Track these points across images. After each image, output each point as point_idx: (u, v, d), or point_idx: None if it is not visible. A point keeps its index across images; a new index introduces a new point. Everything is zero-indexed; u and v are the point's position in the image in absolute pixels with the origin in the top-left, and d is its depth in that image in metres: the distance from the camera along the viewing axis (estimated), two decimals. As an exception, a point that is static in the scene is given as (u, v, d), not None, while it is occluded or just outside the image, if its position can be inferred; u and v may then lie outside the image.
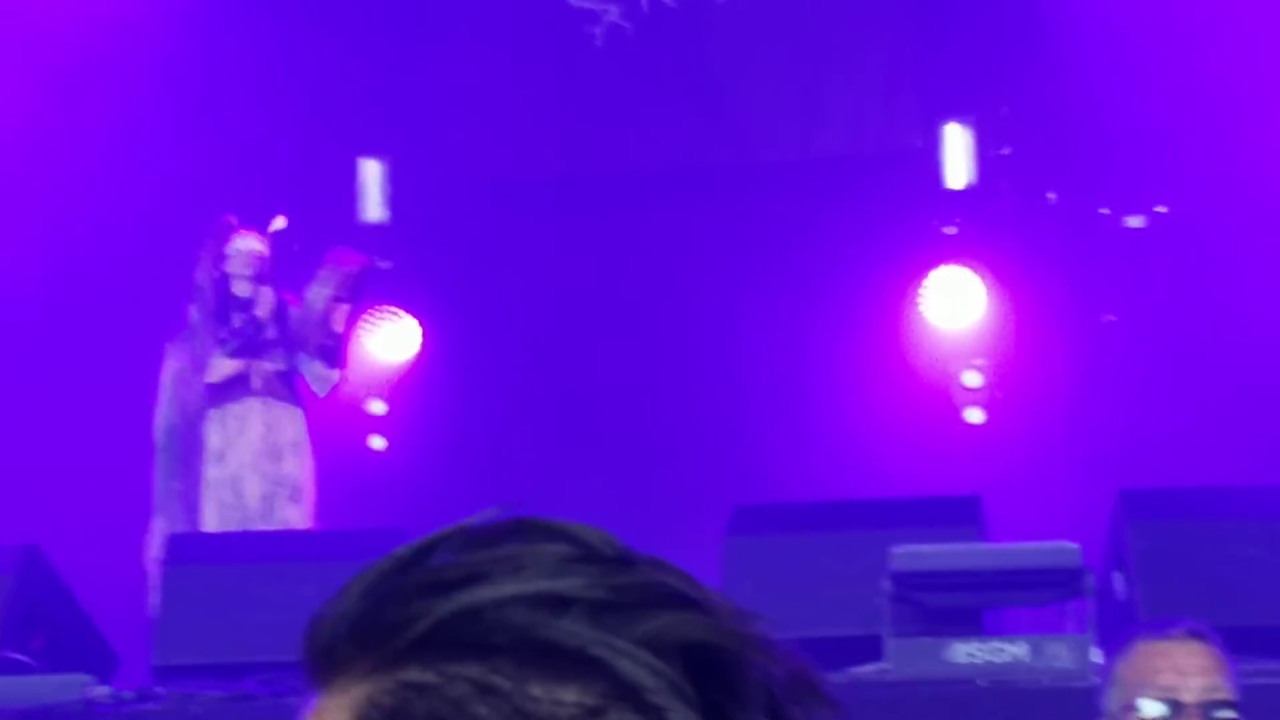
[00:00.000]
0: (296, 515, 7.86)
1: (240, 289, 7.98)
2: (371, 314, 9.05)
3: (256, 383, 7.90)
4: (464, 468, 9.18)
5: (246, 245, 8.02)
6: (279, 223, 8.06)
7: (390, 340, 9.57)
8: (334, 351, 7.99)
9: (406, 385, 9.68)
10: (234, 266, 7.99)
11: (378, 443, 9.62)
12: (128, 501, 8.17)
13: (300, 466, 7.91)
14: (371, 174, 9.62)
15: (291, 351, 8.01)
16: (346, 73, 9.55)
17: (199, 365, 7.97)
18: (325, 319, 7.89)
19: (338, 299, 7.93)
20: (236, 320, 7.94)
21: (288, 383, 8.00)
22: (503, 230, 9.67)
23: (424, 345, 9.65)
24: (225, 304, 7.94)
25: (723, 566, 6.17)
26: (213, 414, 7.90)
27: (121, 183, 9.44)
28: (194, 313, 8.00)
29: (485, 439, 9.46)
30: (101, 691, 6.27)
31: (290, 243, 8.29)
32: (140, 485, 8.02)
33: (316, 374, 8.01)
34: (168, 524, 7.78)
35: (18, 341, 9.40)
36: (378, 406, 9.62)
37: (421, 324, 9.59)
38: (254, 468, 7.83)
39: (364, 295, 8.19)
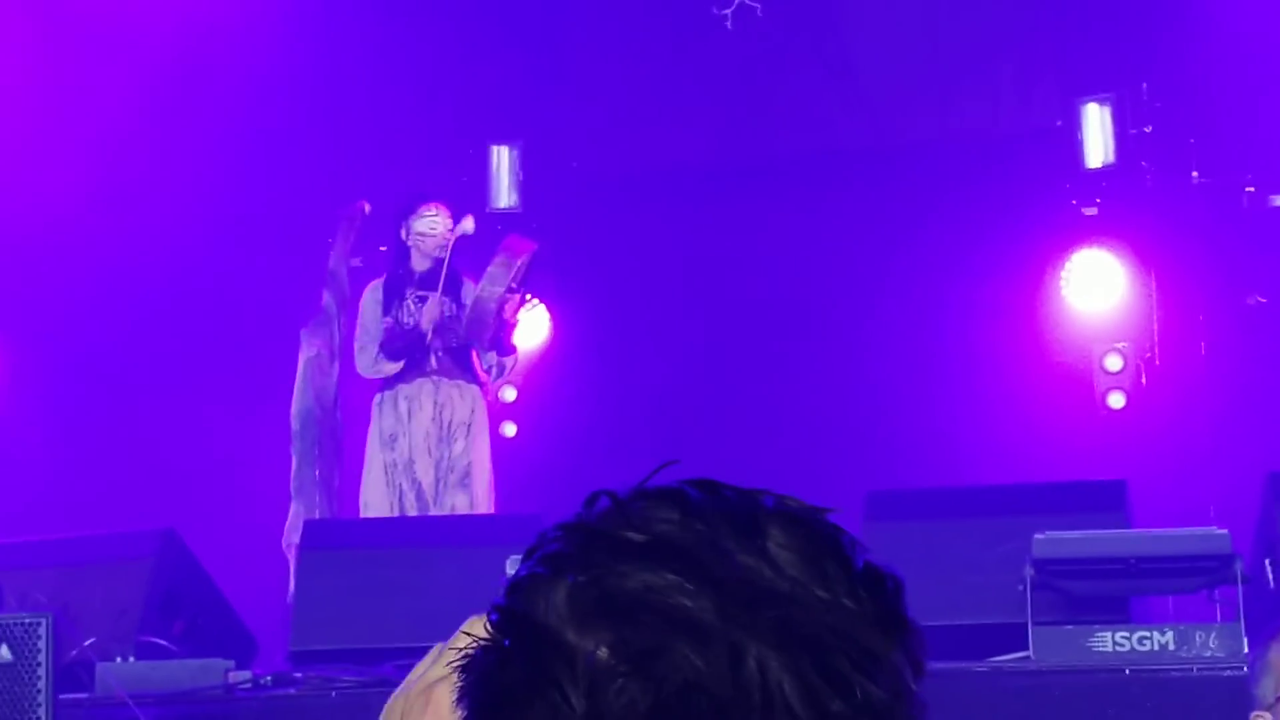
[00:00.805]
0: (464, 501, 7.68)
1: (421, 265, 7.76)
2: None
3: (430, 362, 7.67)
4: (595, 453, 9.07)
5: (444, 223, 7.78)
6: (468, 225, 7.81)
7: (522, 326, 9.02)
8: (506, 339, 7.77)
9: (537, 371, 9.63)
10: (427, 245, 7.73)
11: (509, 429, 9.58)
12: (264, 487, 8.22)
13: (471, 448, 7.68)
14: (503, 161, 9.59)
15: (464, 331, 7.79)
16: (477, 60, 9.55)
17: (333, 351, 7.89)
18: (499, 312, 7.67)
19: (510, 290, 7.71)
20: (410, 299, 7.68)
21: (461, 360, 7.76)
22: (633, 216, 9.60)
23: (554, 331, 9.61)
24: (402, 281, 7.74)
25: (860, 553, 6.14)
26: (385, 395, 7.70)
27: (256, 171, 9.47)
28: (328, 299, 7.96)
29: (615, 425, 9.33)
30: (241, 676, 6.33)
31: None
32: (277, 471, 8.05)
33: (490, 361, 7.81)
34: (304, 509, 7.78)
35: (156, 329, 9.42)
36: (509, 393, 9.57)
37: (551, 310, 9.54)
38: (425, 450, 7.65)
39: (530, 280, 7.97)
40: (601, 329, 9.60)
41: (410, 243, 7.77)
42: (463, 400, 7.68)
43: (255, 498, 8.38)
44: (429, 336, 7.65)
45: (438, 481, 7.61)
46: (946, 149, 9.28)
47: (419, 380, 7.65)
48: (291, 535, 7.57)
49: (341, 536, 7.21)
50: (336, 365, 7.94)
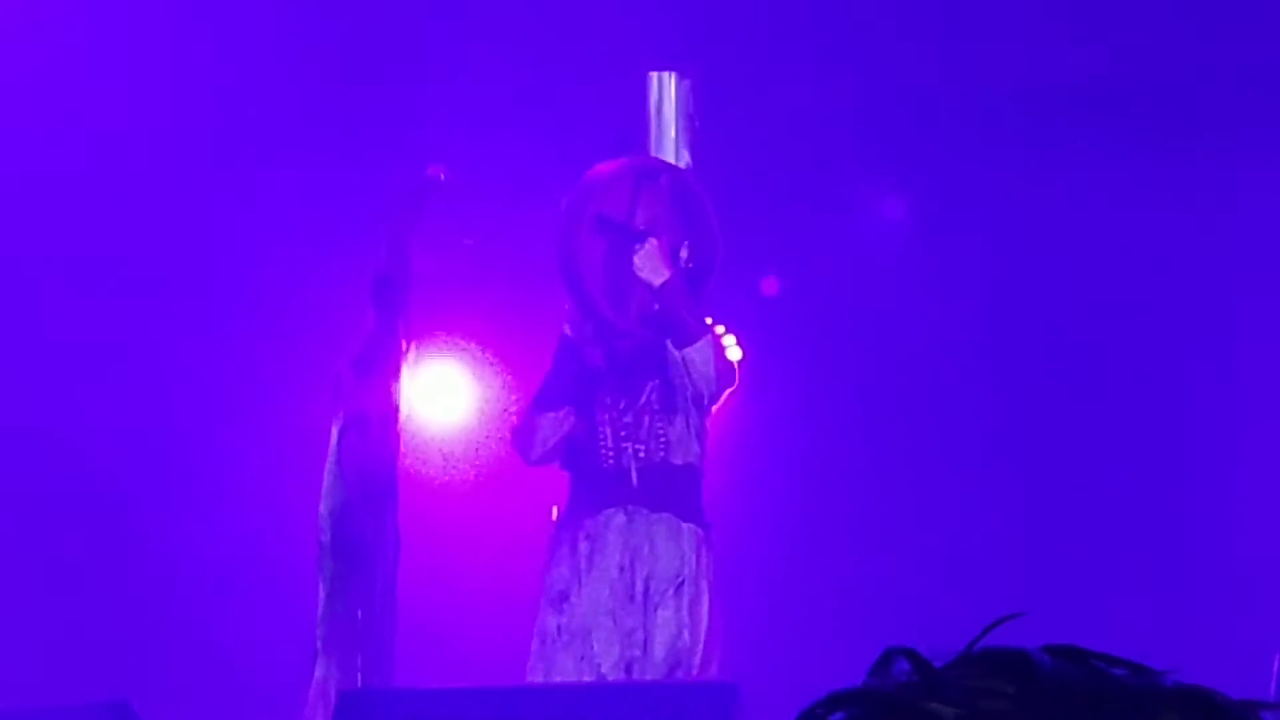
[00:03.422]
0: None
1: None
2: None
3: (631, 478, 7.08)
4: (824, 579, 8.41)
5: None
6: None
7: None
8: (683, 321, 7.05)
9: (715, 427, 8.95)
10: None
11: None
12: (272, 635, 7.94)
13: (688, 618, 7.04)
14: (668, 95, 8.65)
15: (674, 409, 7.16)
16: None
17: (390, 406, 7.22)
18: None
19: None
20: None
21: (676, 481, 7.14)
22: (855, 176, 8.77)
23: (744, 362, 8.50)
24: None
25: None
26: (563, 533, 7.17)
27: (266, 130, 8.64)
28: (378, 321, 7.24)
29: (853, 519, 8.67)
30: None
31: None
32: (294, 608, 7.52)
33: (675, 360, 7.12)
34: (338, 671, 7.16)
35: (98, 386, 8.72)
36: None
37: (736, 331, 8.35)
38: (610, 617, 7.11)
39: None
40: (819, 358, 8.71)
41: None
42: (672, 544, 7.10)
43: (257, 652, 8.04)
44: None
45: (629, 665, 7.08)
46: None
47: (609, 511, 7.10)
48: (315, 711, 7.11)
49: (397, 715, 6.67)
50: (395, 428, 7.24)
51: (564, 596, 7.17)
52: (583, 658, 7.09)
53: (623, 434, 7.05)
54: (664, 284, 6.99)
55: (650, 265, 7.00)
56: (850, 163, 8.92)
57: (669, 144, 8.73)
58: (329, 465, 7.24)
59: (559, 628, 7.13)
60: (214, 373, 8.68)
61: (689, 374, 7.02)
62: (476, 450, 8.39)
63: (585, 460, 7.14)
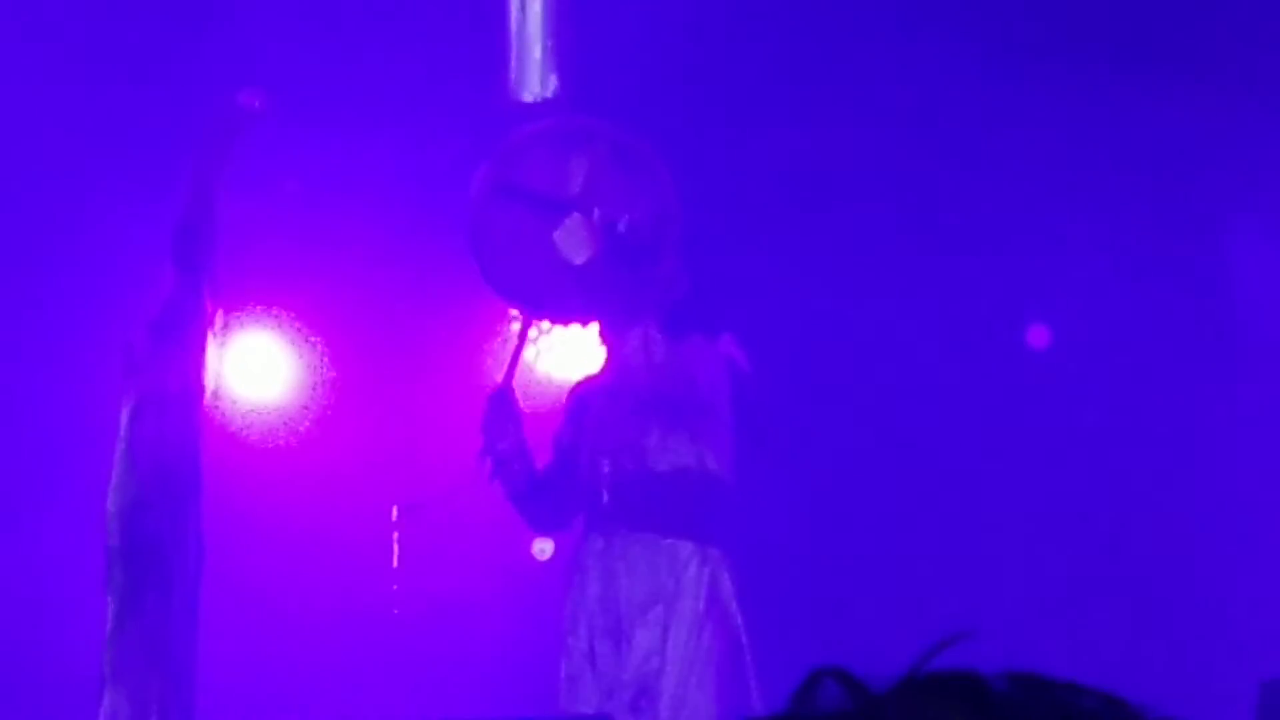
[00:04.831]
0: None
1: None
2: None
3: (602, 496, 7.07)
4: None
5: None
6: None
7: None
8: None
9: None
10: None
11: (545, 548, 8.51)
12: (48, 659, 7.81)
13: (664, 648, 6.93)
14: (530, 10, 8.26)
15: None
16: None
17: (191, 380, 6.85)
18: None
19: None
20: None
21: (660, 494, 7.04)
22: (787, 121, 8.32)
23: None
24: None
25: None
26: (569, 568, 7.27)
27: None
28: (177, 282, 6.82)
29: (794, 532, 8.17)
30: None
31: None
32: (75, 626, 7.32)
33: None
34: (129, 704, 6.88)
35: None
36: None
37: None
38: (589, 658, 7.11)
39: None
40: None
41: None
42: (648, 565, 7.04)
43: (30, 681, 7.84)
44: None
45: (608, 701, 7.15)
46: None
47: (591, 536, 7.15)
48: (107, 756, 7.09)
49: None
50: (198, 409, 6.90)
51: (563, 640, 7.14)
52: (571, 707, 7.07)
53: (601, 443, 6.93)
54: (587, 263, 6.85)
55: (571, 241, 6.85)
56: (767, 88, 8.47)
57: (532, 67, 8.36)
58: (118, 454, 6.95)
59: (566, 677, 7.08)
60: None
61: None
62: (297, 436, 8.21)
63: (580, 475, 7.09)
